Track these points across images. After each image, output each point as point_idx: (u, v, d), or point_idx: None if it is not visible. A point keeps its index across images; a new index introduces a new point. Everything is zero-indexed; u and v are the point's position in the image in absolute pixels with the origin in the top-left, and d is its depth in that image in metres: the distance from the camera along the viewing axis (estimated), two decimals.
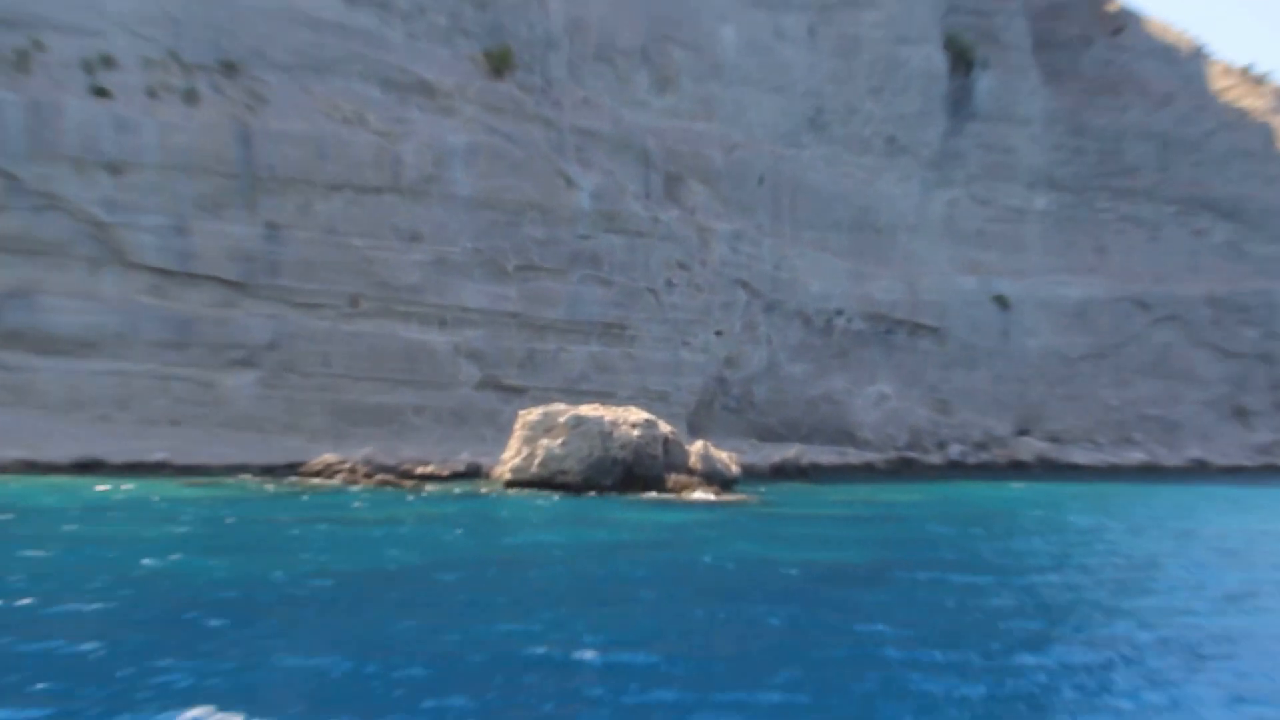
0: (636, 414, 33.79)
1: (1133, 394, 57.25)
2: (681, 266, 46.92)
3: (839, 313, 50.69)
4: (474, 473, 36.66)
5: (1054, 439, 54.79)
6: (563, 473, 31.84)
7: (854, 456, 47.97)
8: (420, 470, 35.59)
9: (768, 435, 48.29)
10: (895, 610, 12.57)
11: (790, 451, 42.69)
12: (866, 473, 45.76)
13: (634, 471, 32.25)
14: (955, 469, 49.01)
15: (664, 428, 33.92)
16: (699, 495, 30.45)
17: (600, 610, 12.53)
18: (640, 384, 45.99)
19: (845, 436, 49.74)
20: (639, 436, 32.68)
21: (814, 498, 32.58)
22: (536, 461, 32.15)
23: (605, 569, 15.85)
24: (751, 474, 40.64)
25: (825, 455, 47.29)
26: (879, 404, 50.97)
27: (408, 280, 40.95)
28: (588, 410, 33.39)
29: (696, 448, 34.11)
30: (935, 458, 50.49)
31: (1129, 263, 58.78)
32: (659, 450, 32.91)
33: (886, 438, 50.63)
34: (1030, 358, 55.75)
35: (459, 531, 19.72)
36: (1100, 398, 56.81)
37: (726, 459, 34.35)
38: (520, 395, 42.75)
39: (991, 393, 54.42)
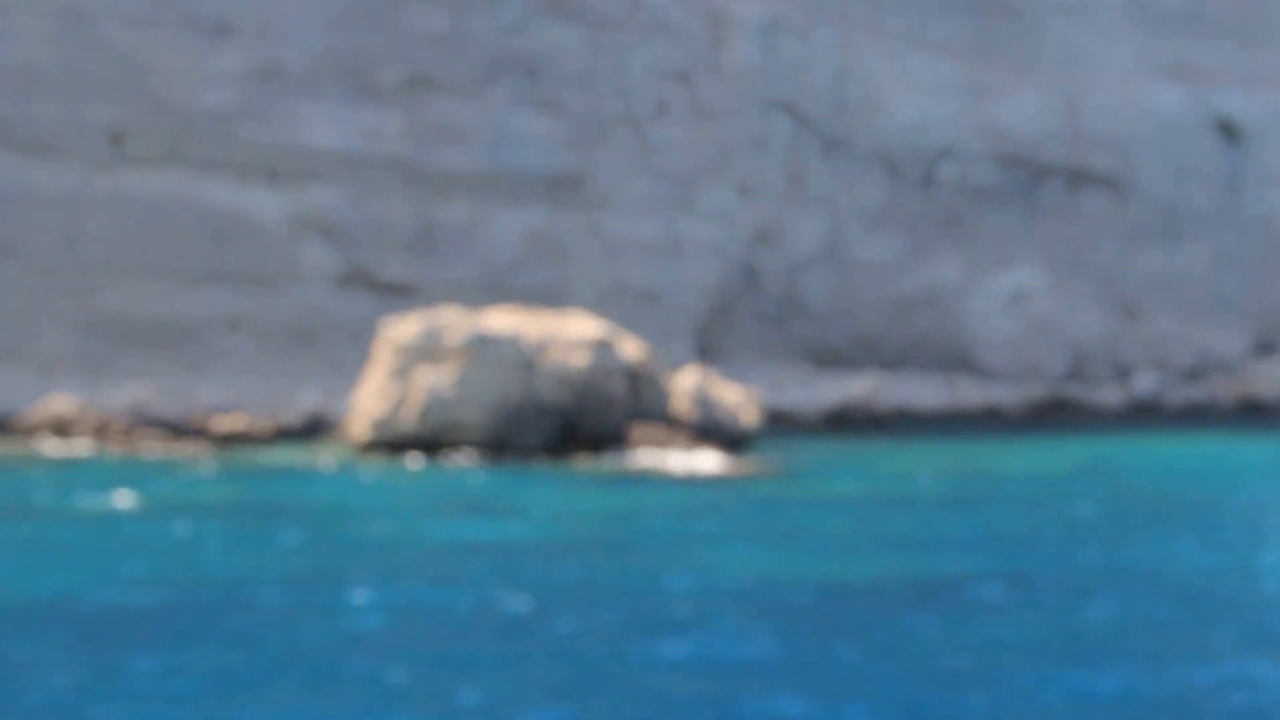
0: (584, 326, 34.55)
1: None
2: (681, 80, 48.03)
3: (947, 155, 51.41)
4: (318, 427, 38.47)
5: None
6: (456, 428, 32.91)
7: (971, 394, 49.59)
8: (225, 426, 37.06)
9: (827, 360, 49.73)
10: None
11: (858, 386, 44.45)
12: (989, 421, 47.33)
13: (578, 424, 33.32)
14: (1144, 413, 50.33)
15: (630, 349, 34.59)
16: (684, 463, 31.49)
17: None
18: (613, 278, 47.23)
19: (957, 361, 50.87)
20: (586, 366, 33.34)
21: (880, 465, 33.28)
22: (411, 410, 32.86)
23: (468, 619, 15.44)
24: (792, 423, 43.46)
25: (920, 392, 49.02)
26: (1015, 306, 51.86)
27: (209, 104, 41.68)
28: (499, 321, 33.96)
29: (686, 384, 35.09)
30: (1111, 395, 51.73)
31: None
32: (621, 388, 33.79)
33: (1027, 363, 51.66)
34: (1278, 225, 56.10)
35: (210, 553, 19.91)
36: None
37: (736, 402, 35.44)
38: (407, 299, 43.62)
39: (1211, 285, 55.12)
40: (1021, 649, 13.42)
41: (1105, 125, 54.08)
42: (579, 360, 33.51)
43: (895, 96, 50.95)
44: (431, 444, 33.11)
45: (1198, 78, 56.02)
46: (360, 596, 16.06)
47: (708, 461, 32.15)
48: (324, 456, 33.02)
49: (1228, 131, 56.49)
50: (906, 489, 28.25)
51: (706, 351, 48.44)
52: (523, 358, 33.22)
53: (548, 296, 44.90)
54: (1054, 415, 49.63)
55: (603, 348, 33.86)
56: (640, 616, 15.08)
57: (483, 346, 33.25)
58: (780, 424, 43.15)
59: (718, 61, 48.49)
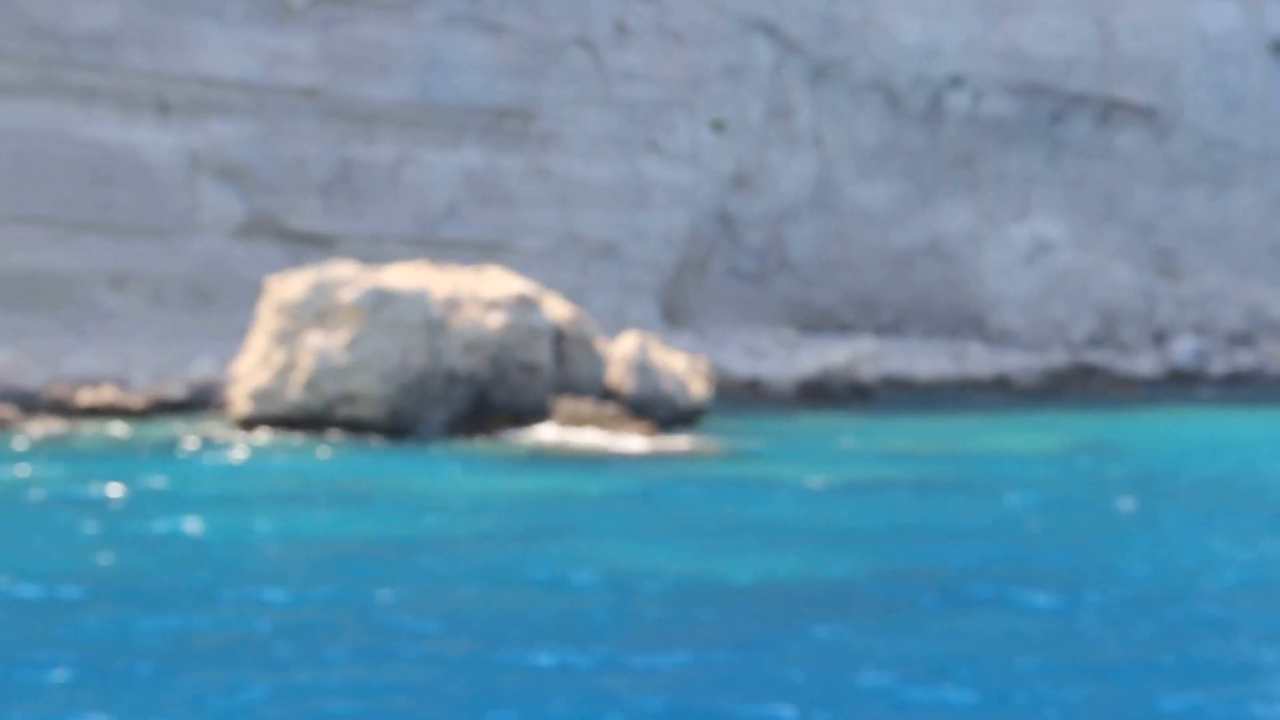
0: (501, 283, 32.67)
1: None
2: None
3: (956, 84, 50.76)
4: (208, 400, 36.49)
5: None
6: (349, 401, 30.94)
7: (982, 362, 48.79)
8: (89, 399, 34.53)
9: (818, 322, 49.48)
10: None
11: (842, 354, 42.30)
12: (998, 391, 46.43)
13: (492, 397, 31.59)
14: (1183, 383, 49.88)
15: (557, 310, 32.91)
16: (612, 442, 30.29)
17: None
18: (564, 228, 45.63)
19: (968, 324, 50.56)
20: (502, 328, 31.40)
21: (845, 443, 32.63)
22: (298, 380, 30.92)
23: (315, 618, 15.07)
24: (771, 394, 42.45)
25: (923, 359, 48.42)
26: (1035, 259, 51.16)
27: (87, 25, 39.93)
28: (401, 277, 31.89)
29: (624, 350, 33.31)
30: (1145, 362, 51.00)
31: None
32: (544, 354, 31.95)
33: (1049, 326, 51.30)
34: None
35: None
36: None
37: (682, 372, 33.93)
38: (323, 252, 42.14)
39: (1264, 236, 54.27)
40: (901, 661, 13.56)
41: (1142, 48, 53.15)
42: (494, 322, 31.36)
43: (896, 16, 50.02)
44: (322, 419, 31.01)
45: None
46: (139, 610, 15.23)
47: (639, 440, 30.44)
48: (194, 435, 30.89)
49: None
50: (863, 472, 27.49)
51: (674, 313, 47.79)
52: (427, 319, 30.99)
53: (488, 250, 44.01)
54: (1079, 386, 48.70)
55: (523, 307, 31.81)
56: (515, 618, 15.19)
57: (380, 306, 30.92)
58: (758, 395, 42.36)
59: None
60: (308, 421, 31.00)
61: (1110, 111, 52.77)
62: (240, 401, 31.48)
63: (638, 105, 45.82)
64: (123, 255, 40.22)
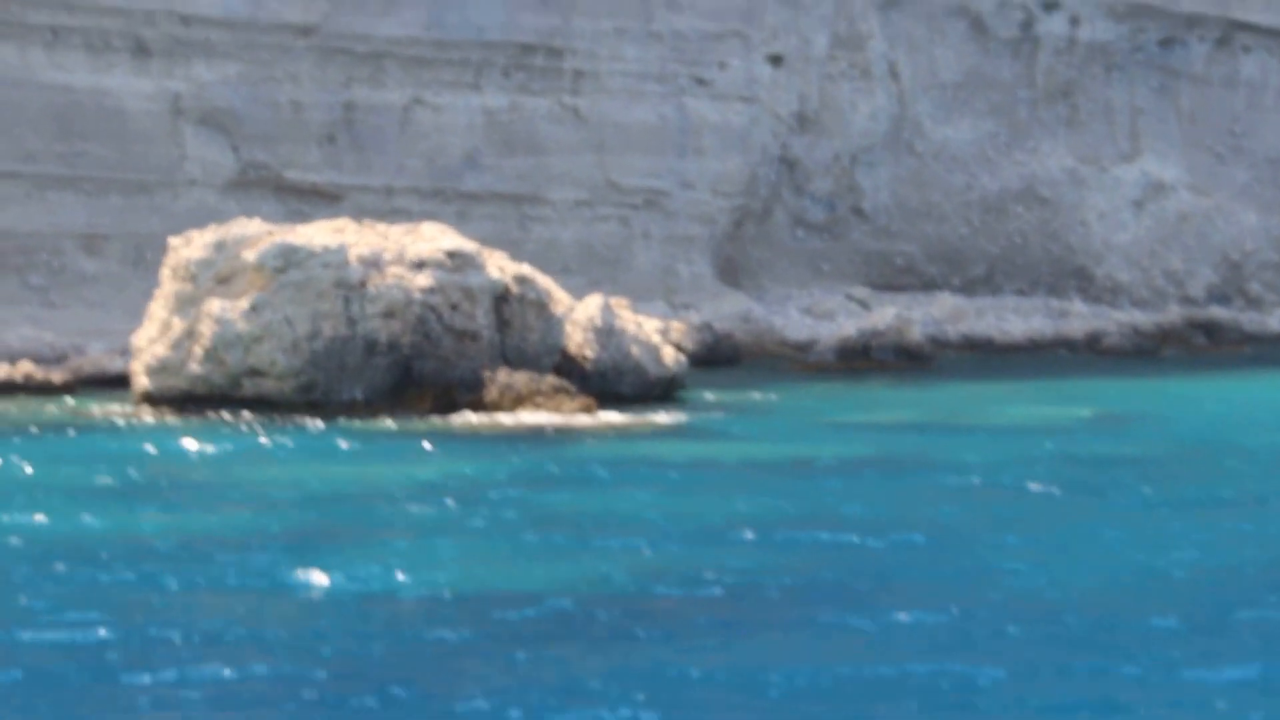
0: (435, 239, 30.66)
1: None
2: None
3: (1051, 6, 49.38)
4: None
5: None
6: (254, 374, 29.22)
7: (1085, 320, 47.04)
8: (10, 373, 33.19)
9: (898, 278, 47.89)
10: None
11: (884, 317, 41.39)
12: (1088, 353, 45.36)
13: (419, 369, 29.79)
14: None
15: (503, 268, 30.88)
16: (545, 417, 28.71)
17: None
18: (601, 177, 44.68)
19: (1070, 278, 48.80)
20: (430, 290, 29.47)
21: (838, 416, 31.42)
22: (197, 352, 29.19)
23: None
24: (804, 362, 41.26)
25: (1015, 319, 46.68)
26: (1147, 204, 49.34)
27: None
28: (315, 233, 30.14)
29: (586, 314, 31.79)
30: (1276, 319, 49.57)
31: None
32: (480, 320, 29.98)
33: (1164, 278, 49.75)
34: None
35: None
36: None
37: (658, 337, 32.76)
38: (325, 208, 40.34)
39: None
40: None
41: None
42: (421, 283, 29.16)
43: None
44: (226, 395, 29.27)
45: None
46: None
47: (579, 417, 28.99)
48: (89, 415, 29.66)
49: None
50: (826, 450, 26.49)
51: (731, 270, 46.75)
52: (342, 280, 28.79)
53: (514, 201, 43.10)
54: (1193, 345, 47.02)
55: (456, 266, 29.59)
56: (202, 628, 14.23)
57: (287, 266, 28.88)
58: (798, 362, 41.57)
59: None
60: (211, 398, 29.51)
61: (1231, 34, 51.28)
62: (140, 376, 29.92)
63: (683, 38, 44.80)
64: (96, 213, 40.10)
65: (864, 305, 45.00)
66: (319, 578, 16.47)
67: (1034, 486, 23.35)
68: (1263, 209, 50.99)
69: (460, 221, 40.72)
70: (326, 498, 21.62)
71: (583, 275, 41.94)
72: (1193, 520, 20.93)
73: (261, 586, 16.22)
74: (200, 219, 38.64)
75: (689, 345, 40.10)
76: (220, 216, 39.20)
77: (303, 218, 39.06)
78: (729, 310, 43.47)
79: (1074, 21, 49.55)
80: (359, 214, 37.93)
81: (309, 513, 20.53)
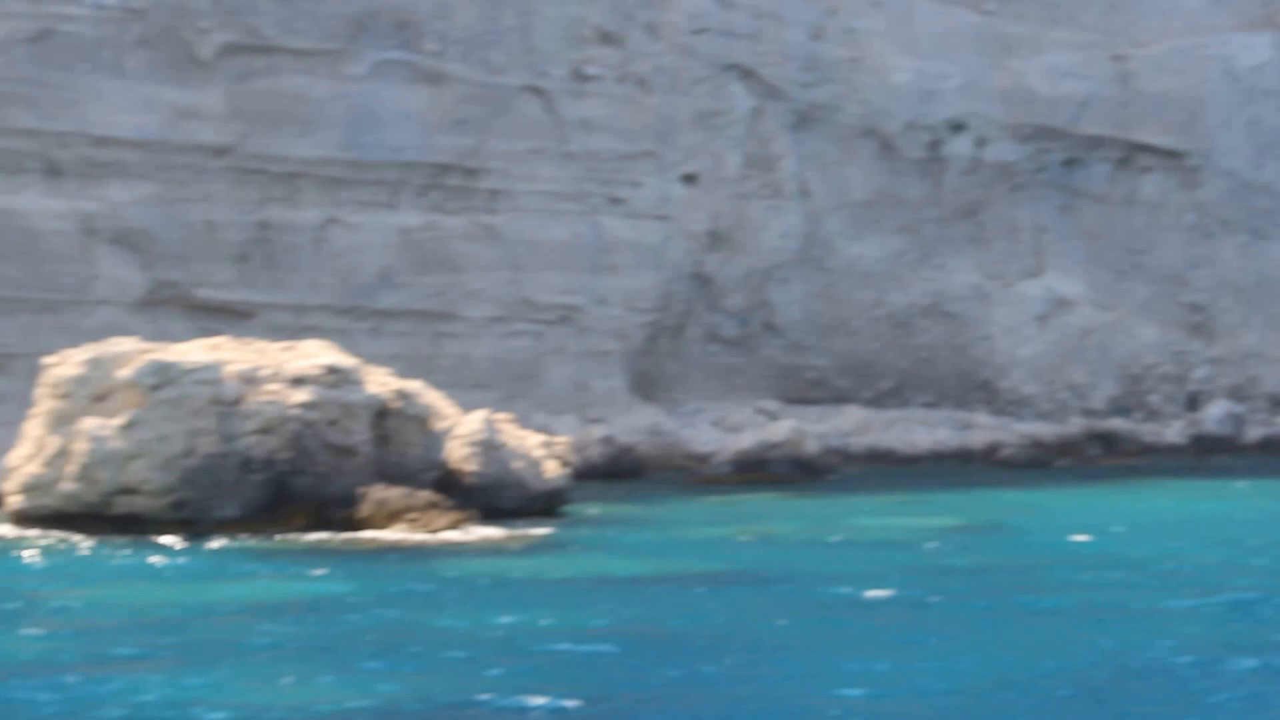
0: (312, 353, 31.19)
1: None
2: (604, 41, 46.26)
3: (959, 129, 50.56)
4: None
5: None
6: (128, 492, 29.22)
7: (991, 431, 48.31)
8: None
9: (807, 392, 48.46)
10: None
11: (781, 430, 42.04)
12: (990, 465, 46.51)
13: (294, 485, 29.89)
14: (1211, 451, 49.56)
15: (381, 382, 31.28)
16: (412, 534, 29.16)
17: None
18: (515, 293, 45.15)
19: (975, 391, 49.82)
20: (307, 406, 29.68)
21: (717, 528, 32.44)
22: (70, 470, 29.24)
23: None
24: (687, 472, 42.61)
25: (921, 430, 47.85)
26: (1050, 319, 50.55)
27: None
28: (187, 352, 30.43)
29: (467, 429, 32.27)
30: (1172, 430, 50.44)
31: None
32: (358, 436, 30.37)
33: (1065, 392, 50.62)
34: None
35: None
36: None
37: (542, 452, 33.05)
38: (238, 327, 40.20)
39: None
40: None
41: (1164, 86, 52.81)
42: (297, 399, 29.51)
43: (887, 56, 49.95)
44: (99, 514, 29.33)
45: None
46: None
47: (447, 532, 29.55)
48: None
49: None
50: (679, 566, 27.13)
51: (646, 384, 47.22)
52: (217, 397, 29.31)
53: (428, 318, 43.49)
54: (1095, 457, 48.11)
55: (334, 382, 29.98)
56: None
57: (162, 383, 29.27)
58: (696, 475, 42.95)
59: (655, 18, 47.17)
60: (83, 516, 29.40)
61: (1130, 156, 52.43)
62: (13, 495, 30.00)
63: (598, 158, 45.49)
64: (4, 332, 39.89)
65: (773, 418, 45.09)
66: (126, 698, 16.33)
67: (871, 594, 23.86)
68: (1162, 324, 51.54)
69: (374, 338, 41.55)
70: (159, 618, 21.49)
71: (496, 390, 42.24)
72: (1017, 628, 21.49)
73: (65, 711, 15.97)
74: (109, 338, 40.87)
75: (594, 458, 41.20)
76: (129, 335, 40.93)
77: (213, 336, 38.75)
78: (639, 423, 43.77)
79: (979, 143, 50.62)
80: (271, 332, 38.52)
81: (135, 633, 20.33)
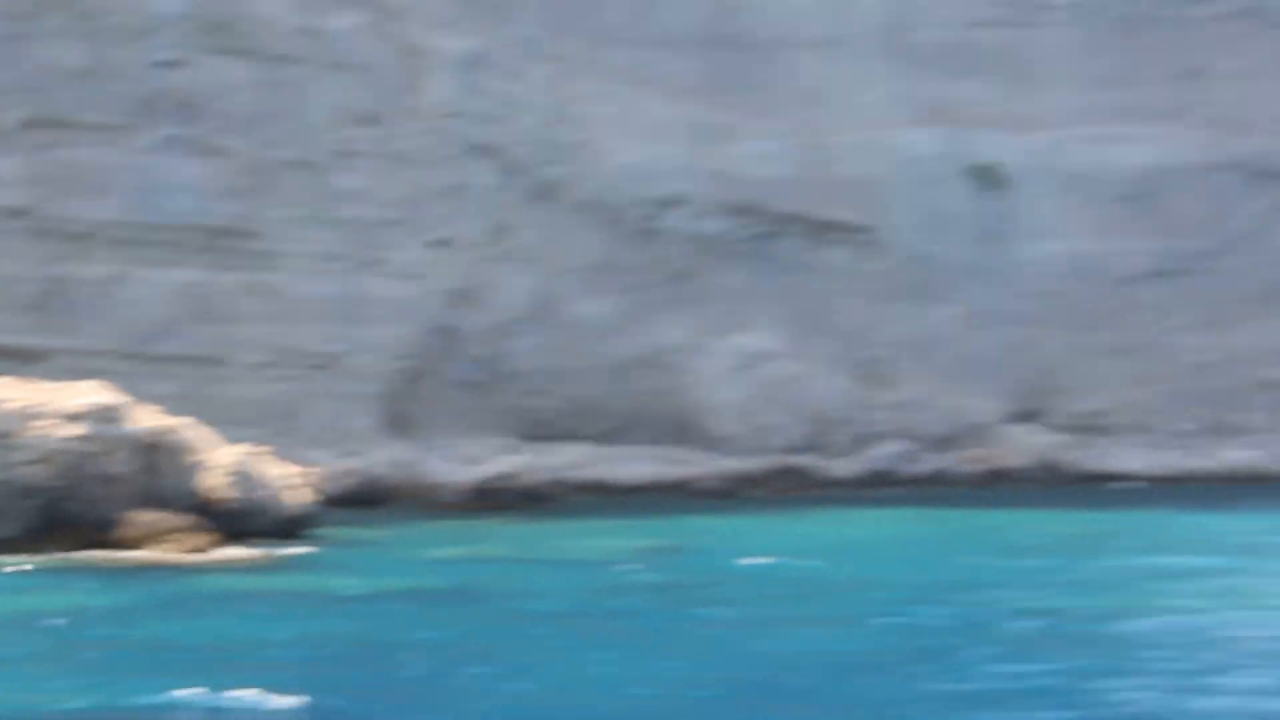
0: (86, 394, 32.37)
1: (1243, 342, 58.58)
2: (366, 122, 47.75)
3: (674, 204, 52.84)
4: None
5: (1086, 426, 56.97)
6: None
7: (694, 465, 50.62)
8: None
9: (543, 430, 50.39)
10: None
11: (503, 465, 44.64)
12: (693, 496, 48.43)
13: (66, 510, 31.03)
14: (878, 484, 52.19)
15: (146, 419, 32.67)
16: (162, 554, 29.99)
17: None
18: (282, 342, 46.46)
19: (684, 430, 51.97)
20: (78, 439, 30.92)
21: (441, 550, 33.38)
22: None
23: None
24: (443, 502, 43.83)
25: (639, 465, 50.01)
26: (749, 370, 52.96)
27: None
28: None
29: (223, 460, 33.44)
30: (848, 466, 53.13)
31: (1245, 99, 59.73)
32: (128, 465, 31.77)
33: (762, 431, 52.87)
34: (1045, 279, 57.60)
35: None
36: (1178, 350, 58.43)
37: (294, 480, 34.32)
38: (32, 369, 41.15)
39: (967, 346, 56.42)
40: None
41: (851, 171, 55.24)
42: (70, 433, 31.02)
43: (614, 140, 51.88)
44: None
45: (955, 119, 57.30)
46: None
47: (193, 553, 30.51)
48: None
49: (987, 178, 58.01)
50: (397, 582, 27.75)
51: (397, 422, 48.60)
52: None
53: (203, 363, 44.59)
54: (786, 489, 50.60)
55: (103, 418, 31.51)
56: None
57: None
58: (437, 502, 44.08)
59: (412, 101, 48.92)
60: None
61: (819, 230, 54.87)
62: None
63: (359, 224, 47.14)
64: None
65: (507, 453, 47.10)
66: None
67: (559, 607, 24.84)
68: (844, 374, 53.90)
69: (155, 381, 41.29)
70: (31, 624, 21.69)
71: (264, 428, 41.87)
72: (682, 637, 22.57)
73: None
74: None
75: (347, 487, 41.87)
76: None
77: (6, 377, 38.26)
78: (389, 457, 45.24)
79: (691, 217, 52.65)
80: (61, 374, 38.53)
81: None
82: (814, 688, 18.90)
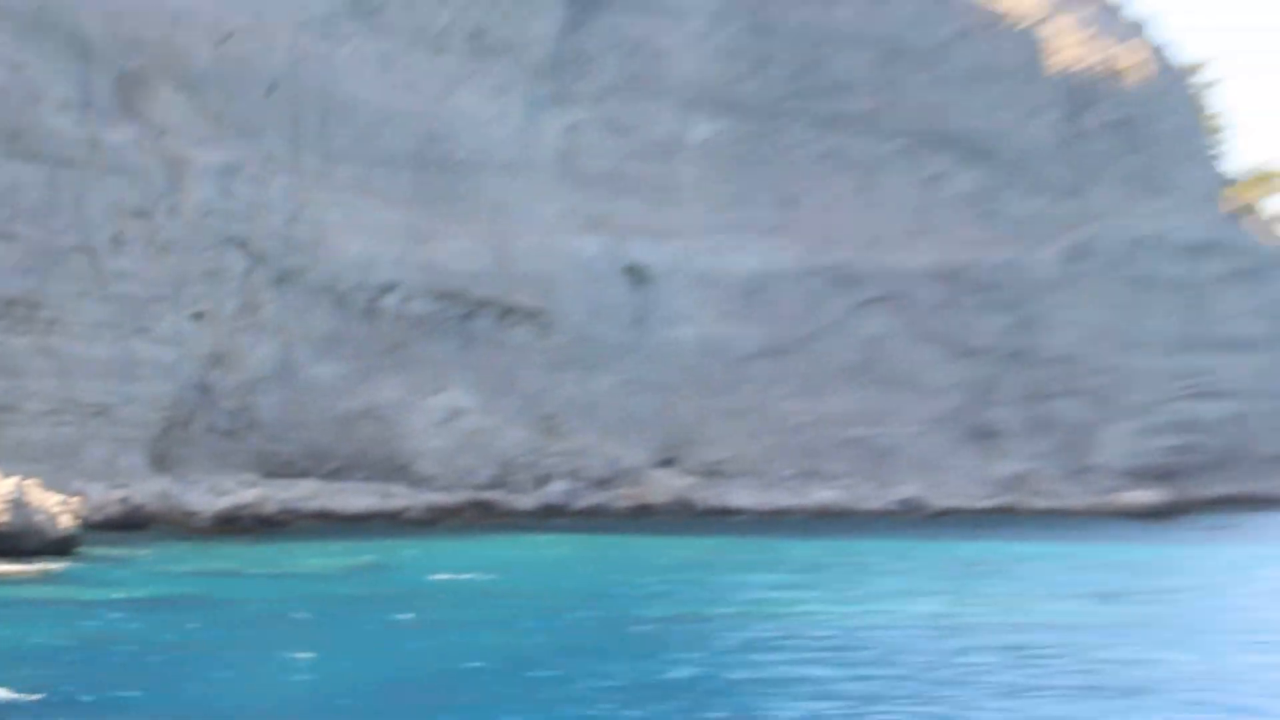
0: None
1: (827, 407, 61.35)
2: (138, 215, 47.08)
3: (390, 289, 52.72)
4: None
5: (711, 472, 58.50)
6: None
7: (405, 499, 49.96)
8: None
9: (282, 469, 49.49)
10: None
11: (247, 496, 44.04)
12: (404, 523, 47.82)
13: None
14: (551, 515, 52.14)
15: None
16: None
17: None
18: (65, 394, 45.26)
19: (396, 471, 51.58)
20: None
21: (183, 565, 32.82)
22: None
23: None
24: (185, 525, 42.61)
25: (358, 498, 49.06)
26: (450, 423, 53.05)
27: None
28: None
29: (1, 489, 33.22)
30: (528, 500, 53.13)
31: (830, 221, 62.54)
32: None
33: (459, 472, 52.78)
34: (679, 356, 59.26)
35: None
36: (780, 413, 60.46)
37: (61, 507, 33.81)
38: None
39: (622, 407, 57.50)
40: None
41: (531, 267, 55.77)
42: None
43: (343, 237, 51.38)
44: None
45: (613, 229, 58.47)
46: None
47: None
48: None
49: (636, 275, 59.13)
50: (142, 591, 27.00)
51: (162, 461, 47.49)
52: None
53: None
54: (478, 518, 50.35)
55: None
56: None
57: None
58: (179, 525, 42.64)
59: (176, 201, 47.88)
60: None
61: (506, 313, 54.81)
62: None
63: (131, 299, 45.96)
64: None
65: (249, 486, 46.32)
66: None
67: (271, 613, 23.99)
68: (525, 427, 55.03)
69: None
70: None
71: (49, 464, 41.55)
72: (377, 636, 22.01)
73: None
74: None
75: (115, 514, 40.64)
76: None
77: None
78: (154, 490, 43.94)
79: (405, 299, 52.73)
80: None
81: None
82: (474, 675, 18.44)
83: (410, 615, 25.05)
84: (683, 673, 19.71)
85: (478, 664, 19.84)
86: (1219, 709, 18.79)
